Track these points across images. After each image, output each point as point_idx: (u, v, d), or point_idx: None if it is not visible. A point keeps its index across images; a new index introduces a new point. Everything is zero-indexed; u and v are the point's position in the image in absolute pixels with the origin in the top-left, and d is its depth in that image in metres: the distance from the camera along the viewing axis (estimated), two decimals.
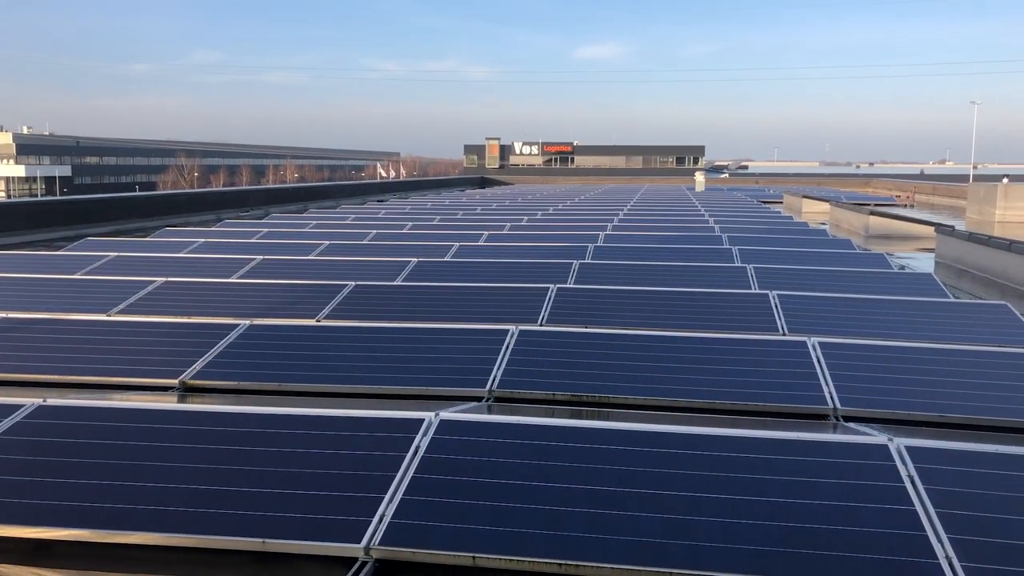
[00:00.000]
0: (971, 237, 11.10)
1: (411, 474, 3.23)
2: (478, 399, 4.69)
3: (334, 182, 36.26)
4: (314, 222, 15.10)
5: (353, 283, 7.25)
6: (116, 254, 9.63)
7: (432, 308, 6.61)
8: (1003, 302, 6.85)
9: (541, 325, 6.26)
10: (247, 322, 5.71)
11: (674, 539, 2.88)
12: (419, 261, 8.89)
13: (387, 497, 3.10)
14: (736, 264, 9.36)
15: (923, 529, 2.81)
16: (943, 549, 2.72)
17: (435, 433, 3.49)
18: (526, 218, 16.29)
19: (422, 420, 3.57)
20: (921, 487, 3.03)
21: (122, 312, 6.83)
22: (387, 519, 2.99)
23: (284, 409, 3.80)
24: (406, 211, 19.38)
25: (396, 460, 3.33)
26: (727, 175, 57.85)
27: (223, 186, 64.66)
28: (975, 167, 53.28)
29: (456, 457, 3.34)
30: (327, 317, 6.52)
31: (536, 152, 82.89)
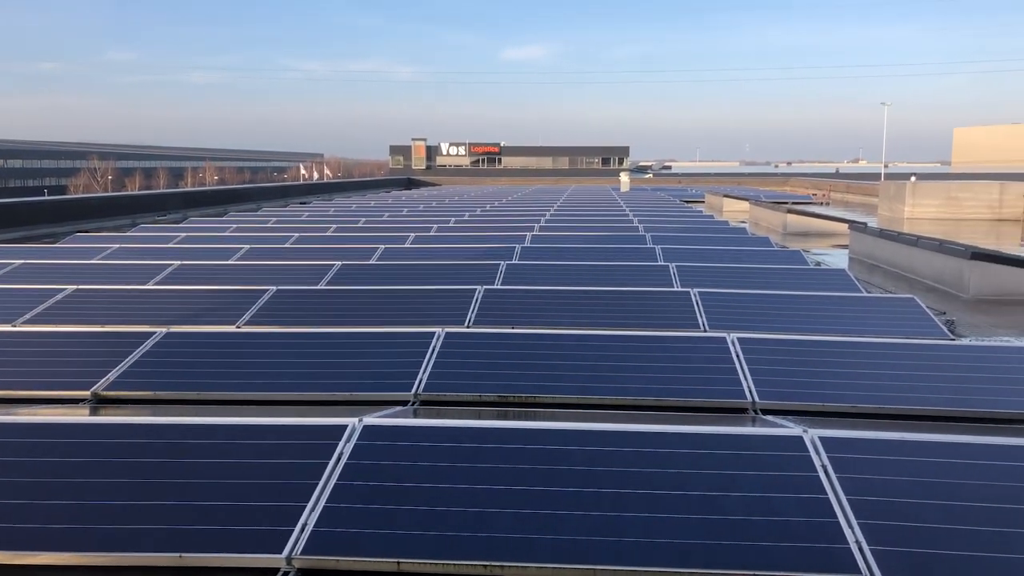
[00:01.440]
0: (882, 233, 11.56)
1: (334, 481, 3.18)
2: (404, 403, 4.65)
3: (255, 184, 35.49)
4: (234, 226, 14.75)
5: (275, 288, 7.11)
6: (22, 261, 9.22)
7: (357, 312, 6.53)
8: (911, 296, 7.15)
9: (468, 327, 6.25)
10: (164, 330, 5.54)
11: (599, 536, 2.91)
12: (343, 264, 8.77)
13: (309, 506, 3.05)
14: (659, 263, 9.54)
15: (835, 516, 2.92)
16: (853, 534, 2.82)
17: (359, 439, 3.44)
18: (453, 219, 16.26)
19: (345, 426, 3.52)
20: (833, 475, 3.14)
21: (29, 322, 6.54)
22: (309, 528, 2.94)
23: (203, 419, 3.69)
24: (330, 213, 19.11)
25: (319, 468, 3.27)
26: (651, 175, 58.89)
27: (139, 189, 62.67)
28: (886, 166, 55.51)
29: (381, 462, 3.31)
30: (248, 323, 6.38)
31: (463, 153, 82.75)
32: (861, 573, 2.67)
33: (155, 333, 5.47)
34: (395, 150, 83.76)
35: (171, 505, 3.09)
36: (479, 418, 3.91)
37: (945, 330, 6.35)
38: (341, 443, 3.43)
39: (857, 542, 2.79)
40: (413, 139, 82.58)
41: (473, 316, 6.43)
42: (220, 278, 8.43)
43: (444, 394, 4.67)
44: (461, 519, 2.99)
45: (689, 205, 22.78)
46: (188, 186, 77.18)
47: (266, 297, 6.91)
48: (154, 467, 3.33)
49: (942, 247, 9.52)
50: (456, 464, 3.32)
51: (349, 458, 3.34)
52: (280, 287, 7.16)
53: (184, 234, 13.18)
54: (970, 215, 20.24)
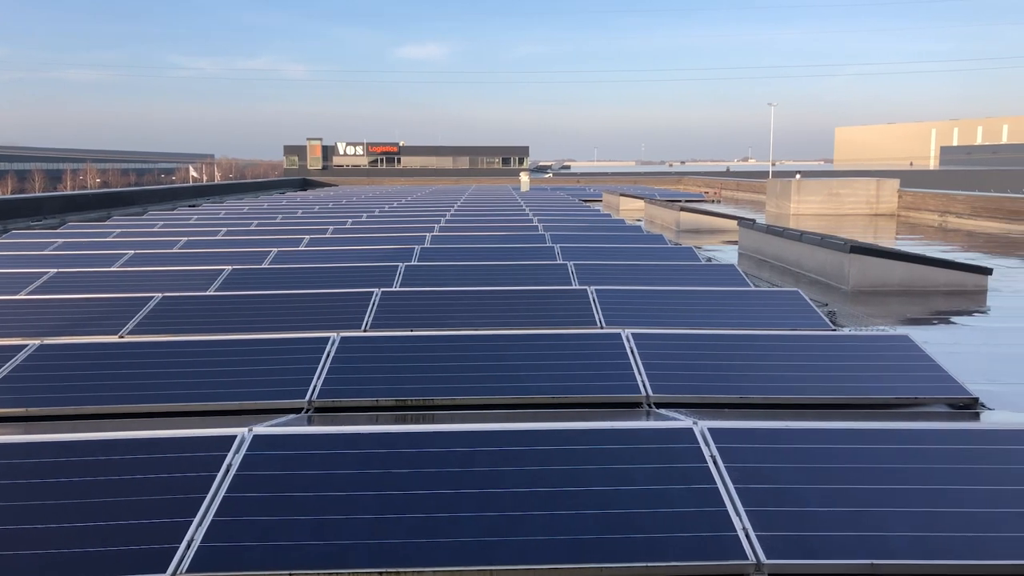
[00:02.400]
0: (768, 229, 12.03)
1: (223, 494, 3.07)
2: (298, 410, 4.53)
3: (141, 187, 33.95)
4: (118, 230, 14.07)
5: (160, 295, 6.81)
6: None
7: (248, 318, 6.33)
8: (795, 289, 7.46)
9: (365, 331, 6.15)
10: (37, 342, 5.22)
11: (500, 536, 2.90)
12: (233, 269, 8.49)
13: (196, 521, 2.92)
14: (558, 261, 9.64)
15: (723, 505, 3.00)
16: (740, 521, 2.91)
17: (248, 449, 3.33)
18: (350, 221, 15.99)
19: (234, 437, 3.40)
20: (722, 465, 3.23)
21: None
22: (196, 544, 2.81)
23: (82, 435, 3.49)
24: (220, 216, 18.48)
25: (206, 481, 3.14)
26: (551, 175, 59.57)
27: (11, 193, 59.02)
28: (774, 164, 57.96)
29: (272, 472, 3.21)
30: (132, 332, 6.08)
31: (361, 153, 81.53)
32: (748, 559, 2.75)
33: (27, 346, 5.15)
34: (290, 150, 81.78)
35: (43, 529, 2.91)
36: (376, 423, 3.85)
37: (827, 321, 6.65)
38: (230, 454, 3.31)
39: (744, 529, 2.88)
40: (308, 139, 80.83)
41: (370, 320, 6.33)
42: (101, 286, 8.01)
43: (340, 400, 4.58)
44: (356, 527, 2.93)
45: (587, 204, 23.15)
46: (67, 189, 73.20)
47: (151, 305, 6.61)
48: (27, 490, 3.13)
49: (824, 241, 9.98)
50: (351, 471, 3.25)
51: (239, 469, 3.22)
52: (166, 294, 6.86)
53: (62, 240, 12.47)
54: (850, 210, 21.33)
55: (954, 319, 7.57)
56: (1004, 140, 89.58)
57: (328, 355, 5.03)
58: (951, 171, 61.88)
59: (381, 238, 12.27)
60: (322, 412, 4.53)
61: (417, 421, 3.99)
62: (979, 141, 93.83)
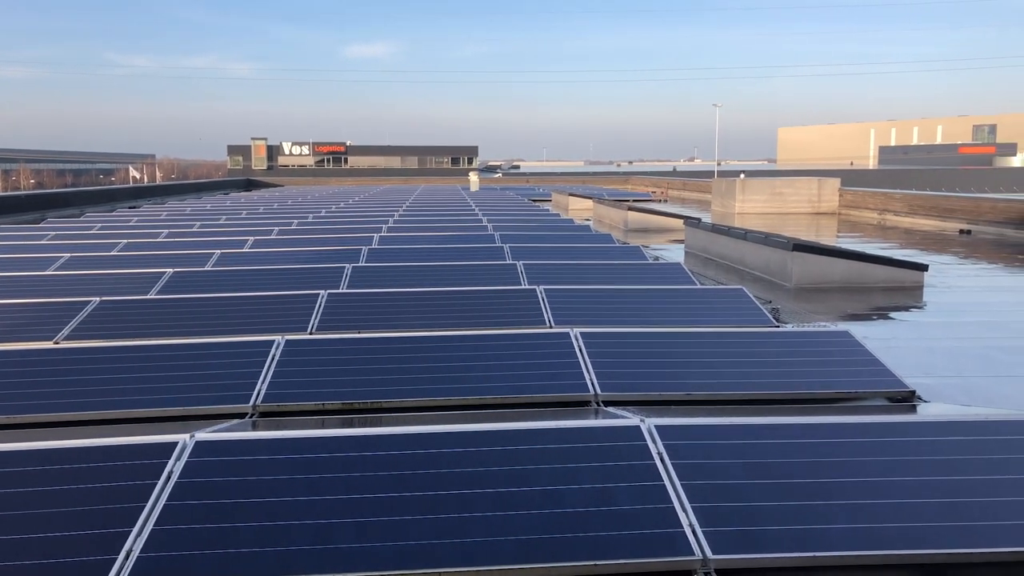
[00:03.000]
0: (714, 228, 12.21)
1: (163, 503, 2.99)
2: (242, 415, 4.45)
3: (78, 188, 32.99)
4: (52, 233, 13.64)
5: (98, 299, 6.62)
6: None
7: (190, 322, 6.19)
8: (740, 287, 7.59)
9: (311, 333, 6.07)
10: None
11: (445, 539, 2.89)
12: (175, 272, 8.30)
13: (135, 531, 2.84)
14: (507, 261, 9.65)
15: (670, 502, 3.03)
16: (687, 518, 2.94)
17: (190, 456, 3.25)
18: (296, 222, 15.77)
19: (175, 443, 3.32)
20: (669, 462, 3.26)
21: None
22: (135, 555, 2.74)
23: (15, 445, 3.37)
24: (162, 218, 18.05)
25: (145, 489, 3.06)
26: (500, 175, 59.63)
27: None
28: (719, 164, 58.92)
29: (214, 479, 3.14)
30: (68, 338, 5.90)
31: (307, 152, 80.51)
32: (695, 555, 2.78)
33: None
34: (234, 150, 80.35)
35: None
36: (323, 427, 3.79)
37: (771, 318, 6.78)
38: (171, 461, 3.23)
39: (691, 525, 2.91)
40: (253, 139, 79.52)
41: (316, 322, 6.25)
42: (35, 290, 7.76)
43: (285, 404, 4.50)
44: (301, 533, 2.89)
45: (537, 204, 23.23)
46: None
47: (89, 309, 6.43)
48: None
49: (767, 240, 10.17)
50: (296, 476, 3.20)
51: (180, 477, 3.14)
52: (104, 298, 6.67)
53: None
54: (793, 209, 21.78)
55: (892, 314, 7.78)
56: (938, 140, 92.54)
57: (273, 358, 4.95)
58: (889, 170, 63.72)
59: (328, 239, 12.13)
60: (267, 417, 4.45)
61: (364, 424, 3.95)
62: (915, 141, 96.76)
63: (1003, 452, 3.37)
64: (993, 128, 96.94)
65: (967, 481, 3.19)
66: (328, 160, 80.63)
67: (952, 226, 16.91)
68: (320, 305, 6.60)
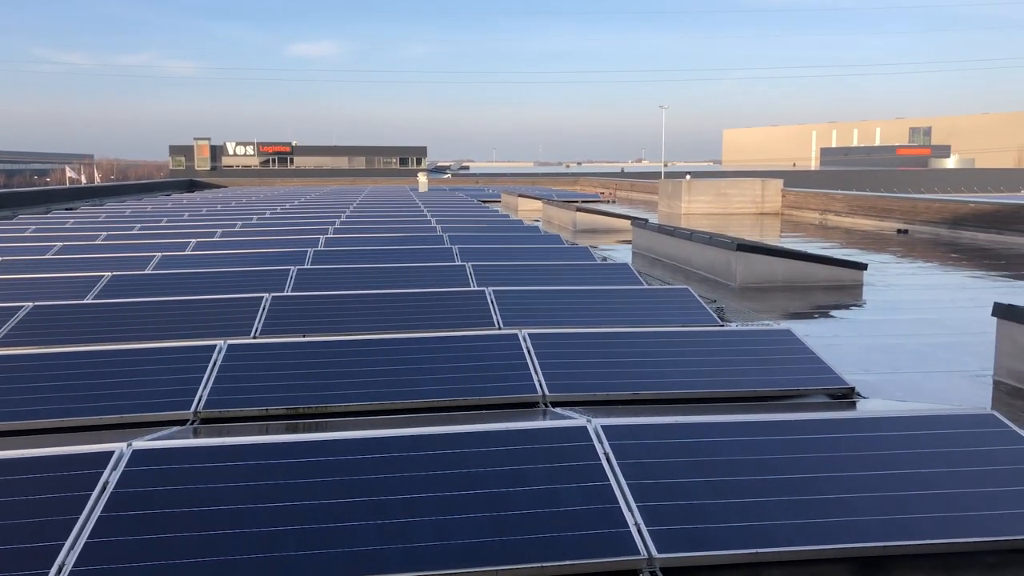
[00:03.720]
0: (660, 229, 12.35)
1: (98, 514, 2.90)
2: (183, 422, 4.34)
3: (10, 189, 31.91)
4: None
5: (31, 304, 6.40)
6: None
7: (129, 327, 6.02)
8: (686, 286, 7.68)
9: (255, 337, 5.96)
10: None
11: (392, 544, 2.86)
12: (114, 276, 8.07)
13: (68, 544, 2.75)
14: (456, 263, 9.61)
15: (616, 501, 3.04)
16: (633, 517, 2.96)
17: (127, 465, 3.16)
18: (240, 223, 15.48)
19: (111, 453, 3.22)
20: (615, 462, 3.28)
21: None
22: (67, 569, 2.65)
23: None
24: (100, 220, 17.55)
25: (79, 501, 2.96)
26: (450, 175, 59.45)
27: None
28: (666, 165, 59.63)
29: (152, 489, 3.05)
30: None
31: (252, 153, 79.11)
32: (640, 554, 2.80)
33: None
34: (176, 150, 78.59)
35: None
36: (267, 433, 3.72)
37: (715, 317, 6.88)
38: (107, 471, 3.13)
39: (636, 524, 2.93)
40: (196, 139, 77.86)
41: (260, 326, 6.13)
42: None
43: (227, 410, 4.41)
44: (244, 542, 2.82)
45: (486, 205, 23.21)
46: None
47: (21, 314, 6.21)
48: None
49: (712, 240, 10.32)
50: (238, 484, 3.13)
51: (116, 487, 3.05)
52: (38, 303, 6.46)
53: None
54: (737, 210, 22.16)
55: (833, 312, 7.96)
56: (877, 142, 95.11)
57: (215, 363, 4.84)
58: (830, 171, 65.25)
59: (273, 241, 11.93)
60: (209, 423, 4.35)
61: (309, 430, 3.88)
62: (855, 143, 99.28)
63: (936, 446, 3.46)
64: (928, 130, 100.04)
65: (903, 475, 3.27)
66: (273, 161, 79.39)
67: (890, 226, 17.39)
68: (264, 308, 6.48)
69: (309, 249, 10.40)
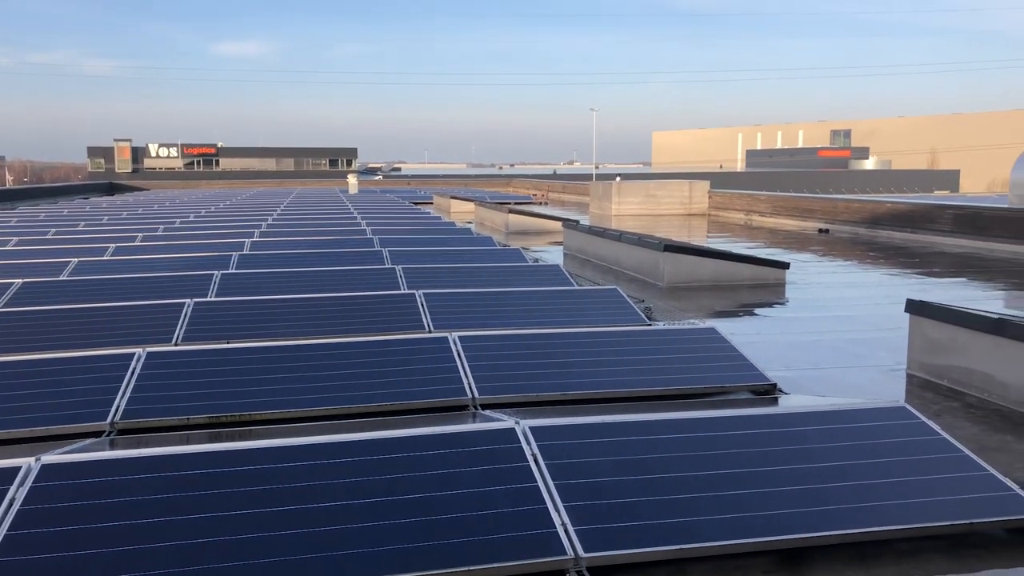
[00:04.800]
0: (591, 230, 12.47)
1: (3, 532, 2.76)
2: (99, 434, 4.19)
3: None
4: None
5: None
6: None
7: (41, 336, 5.78)
8: (615, 287, 7.77)
9: (176, 345, 5.78)
10: None
11: (317, 553, 2.80)
12: (25, 282, 7.73)
13: None
14: (387, 266, 9.52)
15: (544, 502, 3.05)
16: (560, 518, 2.97)
17: (35, 481, 3.02)
18: (162, 227, 15.03)
19: (18, 468, 3.08)
20: (543, 463, 3.28)
21: None
22: None
23: None
24: (11, 224, 16.79)
25: None
26: (381, 177, 58.92)
27: None
28: (597, 167, 60.28)
29: (63, 505, 2.93)
30: None
31: (175, 155, 76.98)
32: (567, 554, 2.81)
33: None
34: (95, 152, 75.92)
35: None
36: (187, 443, 3.61)
37: (643, 316, 6.97)
38: (13, 488, 2.99)
39: (563, 524, 2.94)
40: (116, 140, 75.35)
41: (182, 333, 5.96)
42: None
43: (146, 420, 4.27)
44: (163, 556, 2.73)
45: (418, 207, 23.07)
46: None
47: None
48: None
49: (641, 241, 10.47)
50: (156, 497, 3.03)
51: (23, 504, 2.92)
52: None
53: None
54: (666, 211, 22.54)
55: (757, 310, 8.16)
56: (800, 144, 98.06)
57: (133, 372, 4.68)
58: (755, 173, 66.99)
59: (196, 245, 11.61)
60: (127, 434, 4.20)
61: (233, 438, 3.79)
62: (779, 145, 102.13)
63: (852, 439, 3.58)
64: (848, 133, 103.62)
65: (822, 468, 3.37)
66: (198, 162, 77.37)
67: (812, 225, 17.94)
68: (186, 314, 6.30)
69: (234, 253, 10.16)
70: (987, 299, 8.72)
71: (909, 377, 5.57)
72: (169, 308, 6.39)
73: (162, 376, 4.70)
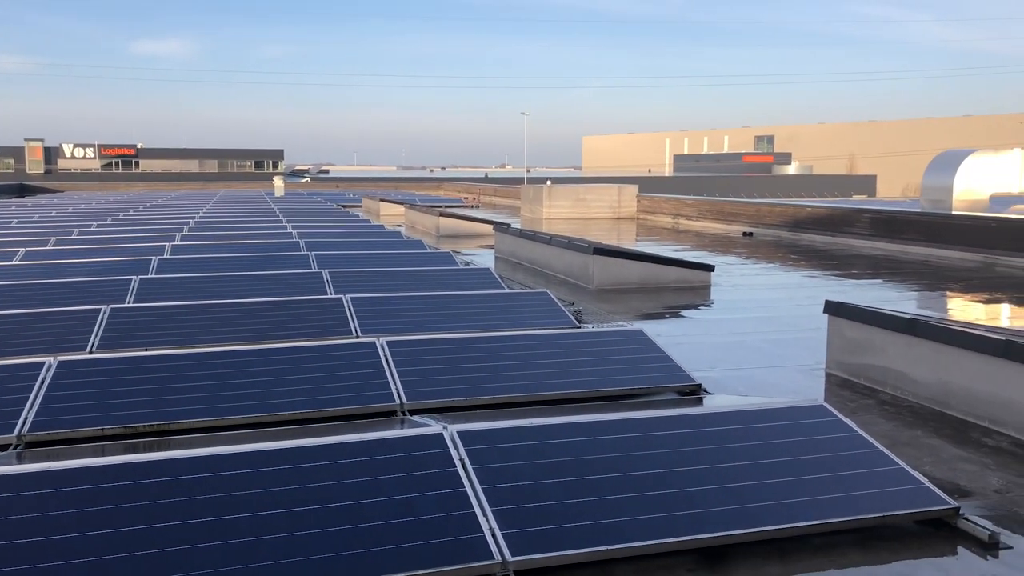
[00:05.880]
0: (521, 233, 12.51)
1: None
2: (6, 447, 3.99)
3: None
4: None
5: None
6: None
7: None
8: (544, 290, 7.81)
9: (91, 353, 5.57)
10: None
11: (237, 565, 2.73)
12: None
13: None
14: (313, 270, 9.37)
15: (471, 507, 3.04)
16: (487, 522, 2.96)
17: None
18: (77, 230, 14.46)
19: None
20: (470, 468, 3.27)
21: None
22: None
23: None
24: None
25: None
26: (308, 179, 57.92)
27: None
28: (529, 170, 60.55)
29: None
30: None
31: (92, 155, 74.26)
32: (494, 558, 2.80)
33: None
34: (3, 152, 72.68)
35: None
36: (101, 454, 3.47)
37: (573, 319, 7.02)
38: None
39: (491, 529, 2.93)
40: (27, 139, 72.26)
41: (97, 340, 5.74)
42: None
43: (57, 432, 4.09)
44: (72, 574, 2.62)
45: (346, 210, 22.78)
46: None
47: None
48: None
49: (570, 244, 10.55)
50: (68, 511, 2.90)
51: None
52: None
53: None
54: (596, 214, 22.79)
55: (683, 312, 8.31)
56: (725, 149, 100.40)
57: (43, 382, 4.48)
58: (682, 177, 68.29)
59: (114, 249, 11.20)
60: (35, 447, 4.02)
61: (151, 449, 3.66)
62: (705, 150, 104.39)
63: (772, 437, 3.67)
64: (771, 139, 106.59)
65: (743, 466, 3.44)
66: (117, 164, 74.78)
67: (737, 229, 18.38)
68: (102, 321, 6.07)
69: (154, 257, 9.84)
70: (901, 300, 9.07)
71: (828, 376, 5.74)
72: (84, 315, 6.14)
73: (75, 386, 4.51)
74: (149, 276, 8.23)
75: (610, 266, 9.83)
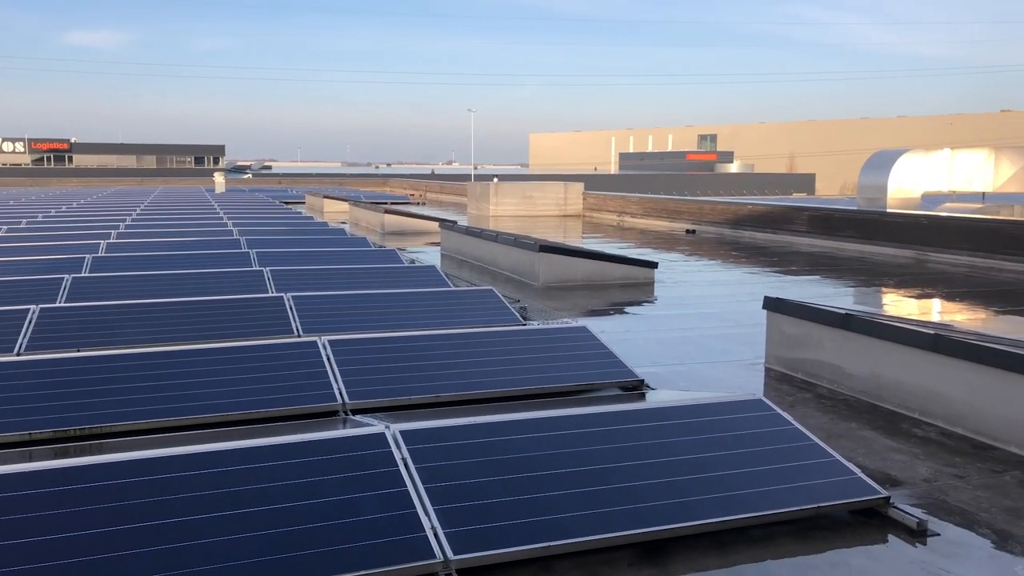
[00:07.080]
0: (468, 231, 12.48)
1: None
2: None
3: None
4: None
5: None
6: None
7: None
8: (490, 287, 7.80)
9: (19, 355, 5.37)
10: None
11: (170, 571, 2.66)
12: None
13: None
14: (254, 268, 9.21)
15: (414, 507, 3.01)
16: (430, 521, 2.94)
17: None
18: (5, 228, 13.96)
19: None
20: (412, 467, 3.24)
21: None
22: None
23: None
24: None
25: None
26: (250, 176, 56.94)
27: None
28: (476, 168, 60.47)
29: None
30: None
31: (22, 150, 71.87)
32: (436, 557, 2.79)
33: None
34: None
35: None
36: (29, 460, 3.35)
37: (518, 316, 7.03)
38: None
39: (433, 528, 2.91)
40: None
41: (25, 342, 5.54)
42: None
43: None
44: None
45: (289, 207, 22.43)
46: None
47: None
48: None
49: (516, 242, 10.56)
50: None
51: None
52: None
53: None
54: (542, 212, 22.86)
55: (627, 309, 8.39)
56: (670, 148, 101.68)
57: None
58: (628, 175, 69.01)
59: (45, 247, 10.82)
60: None
61: (81, 453, 3.55)
62: (650, 148, 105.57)
63: (712, 431, 3.72)
64: (714, 137, 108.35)
65: (684, 461, 3.48)
66: (49, 159, 72.47)
67: (680, 226, 18.63)
68: (31, 322, 5.86)
69: (88, 255, 9.55)
70: (837, 295, 9.30)
71: (767, 371, 5.85)
72: (11, 315, 5.92)
73: (1, 389, 4.35)
74: (82, 275, 7.97)
75: (556, 263, 9.86)
